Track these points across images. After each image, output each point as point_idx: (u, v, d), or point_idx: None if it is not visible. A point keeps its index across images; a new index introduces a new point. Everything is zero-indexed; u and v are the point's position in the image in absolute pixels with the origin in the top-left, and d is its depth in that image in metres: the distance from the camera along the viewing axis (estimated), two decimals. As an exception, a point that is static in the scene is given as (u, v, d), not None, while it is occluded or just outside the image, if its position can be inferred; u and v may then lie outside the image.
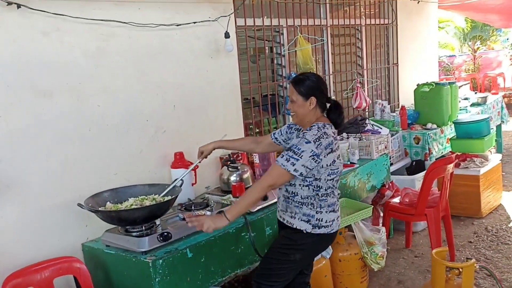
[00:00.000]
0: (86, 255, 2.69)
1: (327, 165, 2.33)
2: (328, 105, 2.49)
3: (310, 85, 2.42)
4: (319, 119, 2.45)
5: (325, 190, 2.39)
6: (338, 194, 2.51)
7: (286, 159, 2.28)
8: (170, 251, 2.42)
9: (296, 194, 2.41)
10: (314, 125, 2.37)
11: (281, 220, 2.53)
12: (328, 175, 2.37)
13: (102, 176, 2.80)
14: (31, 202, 2.51)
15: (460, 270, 2.43)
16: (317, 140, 2.29)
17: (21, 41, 2.43)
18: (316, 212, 2.39)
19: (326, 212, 2.40)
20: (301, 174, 2.29)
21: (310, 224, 2.39)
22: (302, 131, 2.46)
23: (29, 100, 2.47)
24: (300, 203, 2.41)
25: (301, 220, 2.41)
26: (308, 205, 2.39)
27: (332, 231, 2.45)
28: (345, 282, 3.23)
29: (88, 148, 2.73)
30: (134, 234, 2.48)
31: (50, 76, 2.55)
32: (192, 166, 2.80)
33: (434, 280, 2.53)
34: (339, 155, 2.43)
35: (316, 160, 2.29)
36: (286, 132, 2.68)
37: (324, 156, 2.30)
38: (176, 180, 2.69)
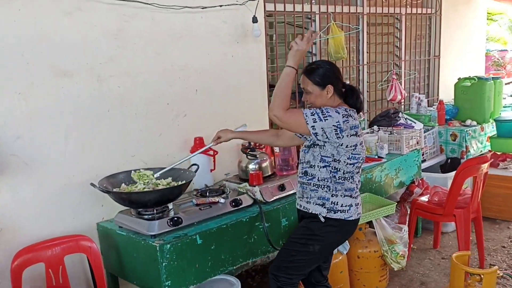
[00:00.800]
0: (100, 234, 2.72)
1: (348, 146, 2.27)
2: (343, 90, 2.40)
3: (324, 73, 2.32)
4: (339, 105, 2.35)
5: (343, 173, 2.32)
6: (359, 181, 2.42)
7: (311, 113, 2.22)
8: (179, 236, 2.40)
9: (313, 176, 2.35)
10: (340, 107, 2.30)
11: (299, 207, 2.49)
12: (348, 158, 2.30)
13: (119, 157, 2.81)
14: (49, 180, 2.55)
15: (482, 276, 2.28)
16: (346, 116, 2.24)
17: (42, 21, 2.45)
18: (332, 195, 2.32)
19: (341, 196, 2.33)
20: (316, 135, 2.24)
21: (325, 207, 2.33)
22: None
23: (49, 79, 2.50)
24: (316, 186, 2.35)
25: (316, 204, 2.35)
26: (324, 187, 2.33)
27: (350, 218, 2.35)
28: (362, 279, 3.12)
29: (106, 129, 2.75)
30: (145, 217, 2.48)
31: (70, 56, 2.56)
32: (202, 149, 2.74)
33: (452, 285, 2.39)
34: (362, 142, 2.35)
35: (337, 134, 2.22)
36: None
37: (347, 136, 2.25)
38: (176, 163, 2.66)
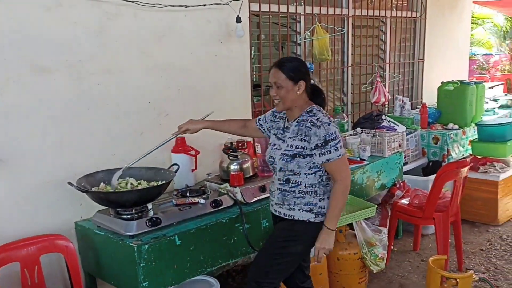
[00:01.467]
0: (78, 234, 2.69)
1: None
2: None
3: (298, 68, 2.30)
4: (308, 103, 2.36)
5: (327, 174, 2.33)
6: None
7: (336, 149, 2.24)
8: (157, 237, 2.38)
9: (299, 183, 2.32)
10: (311, 108, 2.32)
11: (277, 214, 2.44)
12: None
13: (99, 156, 2.78)
14: (25, 178, 2.52)
15: (457, 280, 2.31)
16: (330, 119, 2.30)
17: (21, 16, 2.41)
18: (319, 200, 2.32)
19: (328, 198, 2.33)
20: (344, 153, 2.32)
21: (312, 213, 2.31)
22: (296, 119, 2.34)
23: (27, 76, 2.46)
24: (303, 193, 2.32)
25: (303, 210, 2.32)
26: (311, 193, 2.31)
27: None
28: (342, 281, 3.13)
29: (86, 127, 2.71)
30: (124, 217, 2.46)
31: (49, 52, 2.52)
32: (165, 141, 2.61)
33: (429, 289, 2.41)
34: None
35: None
36: (271, 120, 2.55)
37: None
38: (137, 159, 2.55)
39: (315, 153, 2.26)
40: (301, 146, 2.28)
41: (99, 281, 2.75)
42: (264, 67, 3.79)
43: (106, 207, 2.56)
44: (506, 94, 7.11)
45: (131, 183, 2.57)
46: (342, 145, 2.27)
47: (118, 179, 2.52)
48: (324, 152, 2.24)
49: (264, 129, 2.60)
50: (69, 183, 2.40)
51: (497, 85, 7.71)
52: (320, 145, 2.23)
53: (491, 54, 12.91)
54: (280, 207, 2.41)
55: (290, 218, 2.36)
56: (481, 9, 11.11)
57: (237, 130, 2.72)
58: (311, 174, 2.30)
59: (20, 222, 2.50)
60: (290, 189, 2.34)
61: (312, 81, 2.45)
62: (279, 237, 2.39)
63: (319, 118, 2.27)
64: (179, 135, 2.64)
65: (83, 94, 2.68)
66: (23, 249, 2.30)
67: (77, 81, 2.65)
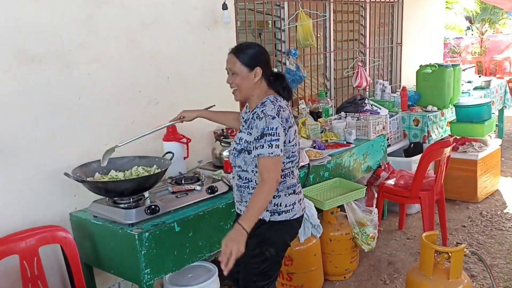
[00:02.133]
0: (73, 224, 2.67)
1: (288, 141, 2.13)
2: (271, 78, 2.22)
3: (254, 54, 2.14)
4: (267, 92, 2.19)
5: (282, 170, 2.13)
6: (297, 175, 2.28)
7: (269, 146, 2.01)
8: (157, 224, 2.40)
9: (250, 180, 2.18)
10: (266, 100, 2.13)
11: (239, 212, 2.32)
12: (288, 158, 2.15)
13: (91, 146, 2.76)
14: (18, 169, 2.48)
15: (450, 254, 2.41)
16: (278, 113, 2.08)
17: (8, 5, 2.35)
18: (274, 197, 2.13)
19: (285, 195, 2.17)
20: (278, 154, 2.04)
21: (267, 211, 2.15)
22: (253, 110, 2.17)
23: (16, 65, 2.41)
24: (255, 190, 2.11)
25: None
26: None
27: (295, 217, 2.21)
28: (334, 261, 3.22)
29: (78, 117, 2.69)
30: (121, 206, 2.46)
31: (38, 41, 2.48)
32: (160, 127, 2.60)
33: (423, 263, 2.50)
34: (295, 130, 2.19)
35: (286, 134, 2.10)
36: (245, 111, 2.33)
37: (287, 131, 2.11)
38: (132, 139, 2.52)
39: (253, 147, 2.08)
40: (246, 140, 2.15)
41: (96, 270, 2.75)
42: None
43: (102, 197, 2.55)
44: (480, 76, 7.31)
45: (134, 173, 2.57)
46: (280, 145, 2.02)
47: (117, 172, 2.52)
48: (258, 146, 2.03)
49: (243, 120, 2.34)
50: (66, 174, 2.39)
51: (469, 67, 7.92)
52: (256, 137, 2.05)
53: (461, 37, 13.22)
54: (239, 204, 2.30)
55: None
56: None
57: (230, 122, 2.61)
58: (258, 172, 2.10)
59: (15, 214, 2.47)
60: (244, 185, 2.21)
61: (275, 70, 2.35)
62: (251, 245, 2.05)
63: (264, 109, 2.08)
64: (176, 123, 2.62)
65: (73, 83, 2.65)
66: (22, 241, 2.28)
67: (67, 70, 2.61)
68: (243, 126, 2.25)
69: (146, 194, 2.58)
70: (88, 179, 2.49)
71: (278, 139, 2.03)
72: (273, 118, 2.05)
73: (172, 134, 3.06)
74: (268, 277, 2.23)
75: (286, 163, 2.16)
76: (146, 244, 2.32)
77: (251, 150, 2.11)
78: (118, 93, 2.86)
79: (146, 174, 2.57)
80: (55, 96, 2.58)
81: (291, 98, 2.31)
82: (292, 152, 2.17)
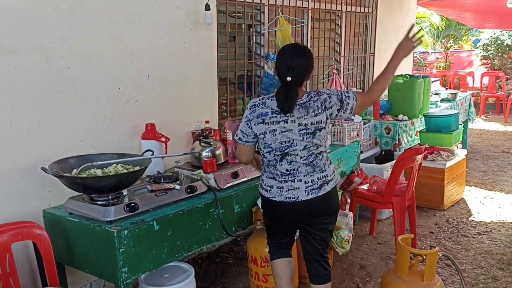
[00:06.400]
0: (47, 221, 2.60)
1: (258, 134, 2.40)
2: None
3: None
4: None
5: (268, 160, 2.45)
6: (288, 169, 2.40)
7: (347, 93, 2.47)
8: (136, 222, 2.36)
9: (323, 151, 2.49)
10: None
11: (292, 197, 2.51)
12: (264, 147, 2.43)
13: (68, 142, 2.70)
14: (-10, 163, 2.40)
15: (424, 257, 2.47)
16: (253, 107, 2.40)
17: (-11, -8, 2.28)
18: (262, 173, 2.54)
19: (266, 177, 2.48)
20: (240, 139, 2.46)
21: (258, 183, 2.57)
22: (301, 98, 2.45)
23: (-6, 56, 2.34)
24: None
25: None
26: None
27: (272, 198, 2.43)
28: (309, 264, 3.24)
29: (55, 112, 2.62)
30: (99, 203, 2.41)
31: (18, 33, 2.42)
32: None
33: (398, 266, 2.56)
34: (275, 130, 2.35)
35: (249, 125, 2.40)
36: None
37: (255, 124, 2.38)
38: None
39: (340, 102, 2.44)
40: (314, 122, 2.42)
41: (67, 270, 2.68)
42: (221, 56, 3.76)
43: (78, 194, 2.49)
44: (446, 89, 7.57)
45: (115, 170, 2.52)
46: (241, 129, 2.44)
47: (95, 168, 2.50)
48: (344, 98, 2.45)
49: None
50: (43, 168, 2.32)
51: (434, 80, 8.21)
52: (334, 103, 2.44)
53: (427, 52, 13.66)
54: (310, 176, 2.48)
55: None
56: (418, 9, 11.72)
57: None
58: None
59: (-15, 210, 2.38)
60: (319, 156, 2.48)
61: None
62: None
63: (317, 91, 2.46)
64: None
65: (52, 77, 2.59)
66: (-6, 237, 2.19)
67: (46, 63, 2.55)
68: (293, 115, 2.36)
69: (125, 192, 2.54)
70: (65, 174, 2.43)
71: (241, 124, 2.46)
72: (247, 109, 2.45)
73: (151, 132, 3.03)
74: (269, 236, 2.72)
75: (265, 153, 2.44)
76: (125, 242, 2.28)
77: (322, 128, 2.39)
78: (97, 89, 2.81)
79: (125, 171, 2.53)
80: (33, 89, 2.51)
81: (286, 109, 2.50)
82: (266, 143, 2.42)
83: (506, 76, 10.90)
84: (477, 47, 12.73)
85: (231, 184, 2.93)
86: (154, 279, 2.64)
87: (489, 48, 11.72)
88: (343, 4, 5.21)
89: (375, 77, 5.93)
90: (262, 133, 2.38)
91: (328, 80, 4.98)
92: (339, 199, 3.17)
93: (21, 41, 2.43)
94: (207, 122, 3.42)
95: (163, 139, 3.04)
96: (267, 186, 2.46)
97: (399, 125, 4.90)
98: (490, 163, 6.49)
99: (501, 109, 10.21)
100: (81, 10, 2.66)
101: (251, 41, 4.18)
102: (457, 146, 5.09)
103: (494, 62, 11.72)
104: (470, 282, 3.31)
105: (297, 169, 2.40)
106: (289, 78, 2.33)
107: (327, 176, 2.43)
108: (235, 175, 2.97)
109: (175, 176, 2.82)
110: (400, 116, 5.11)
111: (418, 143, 5.03)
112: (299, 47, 2.51)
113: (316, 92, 2.42)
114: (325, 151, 2.47)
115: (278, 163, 2.41)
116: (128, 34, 2.93)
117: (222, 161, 3.09)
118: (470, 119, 7.03)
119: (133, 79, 3.02)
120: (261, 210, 2.70)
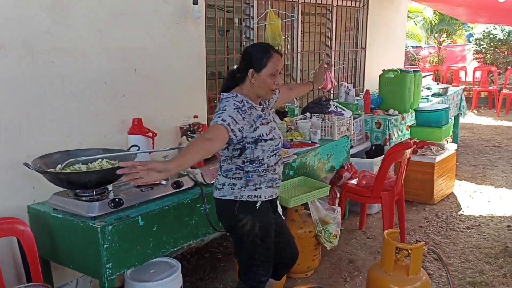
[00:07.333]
0: (31, 217, 2.58)
1: (260, 136, 2.25)
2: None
3: None
4: None
5: (268, 166, 2.34)
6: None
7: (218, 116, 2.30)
8: (121, 218, 2.35)
9: None
10: None
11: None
12: (267, 150, 2.33)
13: (53, 137, 2.68)
14: (-26, 159, 2.38)
15: (409, 251, 2.48)
16: (250, 108, 2.28)
17: (-31, -15, 2.25)
18: (249, 190, 2.34)
19: (263, 191, 2.36)
20: (228, 125, 2.13)
21: None
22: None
23: (-24, 50, 2.31)
24: None
25: None
26: None
27: (267, 198, 2.39)
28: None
29: (40, 107, 2.60)
30: (83, 198, 2.40)
31: (1, 26, 2.38)
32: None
33: (384, 260, 2.57)
34: (274, 128, 2.37)
35: (243, 117, 2.24)
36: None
37: (260, 125, 2.29)
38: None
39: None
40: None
41: (53, 266, 2.66)
42: (210, 50, 3.73)
43: (63, 190, 2.48)
44: (437, 83, 7.58)
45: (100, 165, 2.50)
46: (230, 114, 2.11)
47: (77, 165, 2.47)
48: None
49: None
50: (26, 164, 2.30)
51: (427, 75, 8.22)
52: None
53: (420, 46, 13.66)
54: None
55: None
56: (412, 3, 11.71)
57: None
58: None
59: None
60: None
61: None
62: None
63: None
64: None
65: (36, 72, 2.56)
66: (-24, 233, 2.17)
67: (31, 58, 2.52)
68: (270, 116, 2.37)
69: (110, 187, 2.52)
70: (49, 170, 2.41)
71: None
72: None
73: (137, 127, 3.01)
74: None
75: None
76: (109, 238, 2.26)
77: None
78: (83, 84, 2.79)
79: (110, 166, 2.51)
80: (17, 84, 2.48)
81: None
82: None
83: (498, 71, 10.93)
84: (470, 42, 12.74)
85: (218, 179, 2.92)
86: (140, 274, 2.62)
87: (482, 42, 11.74)
88: (333, -2, 5.19)
89: (366, 71, 6.01)
90: (267, 133, 2.24)
91: (319, 74, 4.95)
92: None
93: (4, 35, 2.40)
94: (195, 117, 3.40)
95: (150, 134, 3.02)
96: (263, 196, 2.30)
97: (390, 119, 4.90)
98: (481, 157, 6.51)
99: (493, 103, 10.24)
100: (66, 3, 2.63)
101: (241, 36, 4.16)
102: (447, 141, 5.10)
103: (486, 57, 11.75)
104: (457, 276, 3.33)
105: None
106: None
107: None
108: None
109: (162, 171, 2.80)
110: (391, 111, 5.11)
111: (409, 138, 5.04)
112: None
113: None
114: None
115: (277, 164, 2.37)
116: (114, 28, 2.91)
117: (209, 156, 3.07)
118: (461, 114, 7.04)
119: (120, 74, 2.99)
120: (247, 240, 2.30)
